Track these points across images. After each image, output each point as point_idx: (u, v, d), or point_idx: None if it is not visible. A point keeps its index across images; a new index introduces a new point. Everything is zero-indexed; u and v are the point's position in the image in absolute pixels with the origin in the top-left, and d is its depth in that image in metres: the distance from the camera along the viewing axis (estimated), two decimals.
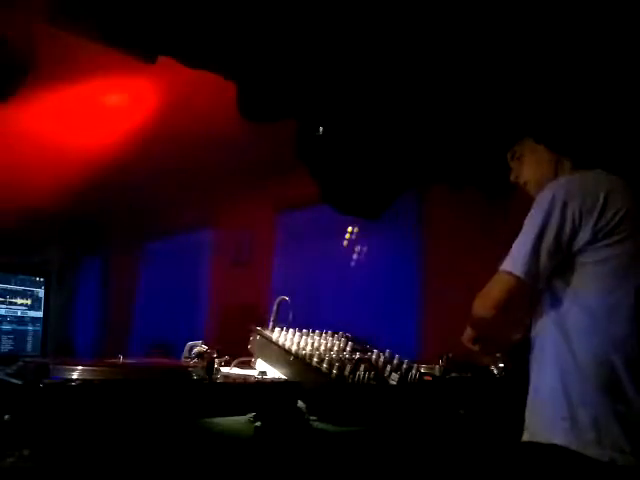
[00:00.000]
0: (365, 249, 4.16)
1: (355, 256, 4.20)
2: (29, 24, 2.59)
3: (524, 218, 1.65)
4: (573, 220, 1.56)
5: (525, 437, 1.61)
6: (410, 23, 2.31)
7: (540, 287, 1.62)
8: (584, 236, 1.56)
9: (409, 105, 2.70)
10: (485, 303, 1.64)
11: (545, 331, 1.62)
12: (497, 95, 2.53)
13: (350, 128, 2.78)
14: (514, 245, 1.64)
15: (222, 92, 2.47)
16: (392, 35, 2.41)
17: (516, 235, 1.65)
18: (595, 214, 1.56)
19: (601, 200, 1.57)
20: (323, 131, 2.56)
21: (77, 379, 1.30)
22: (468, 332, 1.85)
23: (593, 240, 1.55)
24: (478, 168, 2.51)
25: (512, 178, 1.92)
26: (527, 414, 1.63)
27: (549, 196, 1.60)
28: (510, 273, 1.59)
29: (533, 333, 1.69)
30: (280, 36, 2.20)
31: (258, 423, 1.55)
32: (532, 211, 1.64)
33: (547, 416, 1.55)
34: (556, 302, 1.60)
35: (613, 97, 2.49)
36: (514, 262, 1.60)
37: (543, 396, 1.59)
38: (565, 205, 1.57)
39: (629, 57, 2.41)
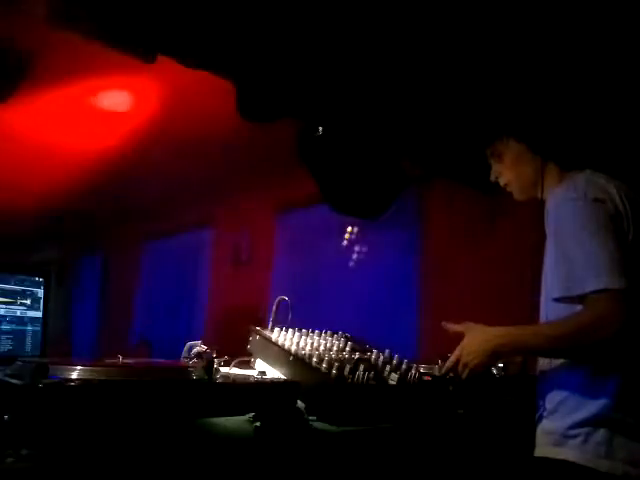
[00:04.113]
0: (364, 248, 4.15)
1: (354, 255, 4.20)
2: (28, 25, 2.59)
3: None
4: (620, 214, 1.50)
5: (537, 452, 1.58)
6: (409, 23, 2.31)
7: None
8: (628, 229, 1.49)
9: (409, 105, 2.70)
10: (607, 329, 1.41)
11: None
12: (494, 95, 2.53)
13: (350, 128, 2.78)
14: (575, 263, 1.46)
15: (222, 92, 2.46)
16: (391, 35, 2.41)
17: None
18: (622, 210, 1.51)
19: (619, 198, 1.52)
20: (323, 131, 2.55)
21: (76, 379, 1.30)
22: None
23: (633, 238, 1.49)
24: (477, 166, 2.50)
25: (492, 178, 1.83)
26: (537, 428, 1.60)
27: (582, 199, 1.50)
28: (603, 291, 1.40)
29: None
30: (279, 36, 2.20)
31: (257, 423, 1.54)
32: (562, 221, 1.52)
33: (558, 432, 1.52)
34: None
35: (598, 98, 2.49)
36: (601, 277, 1.41)
37: (554, 411, 1.55)
38: (597, 201, 1.49)
39: (614, 59, 2.41)
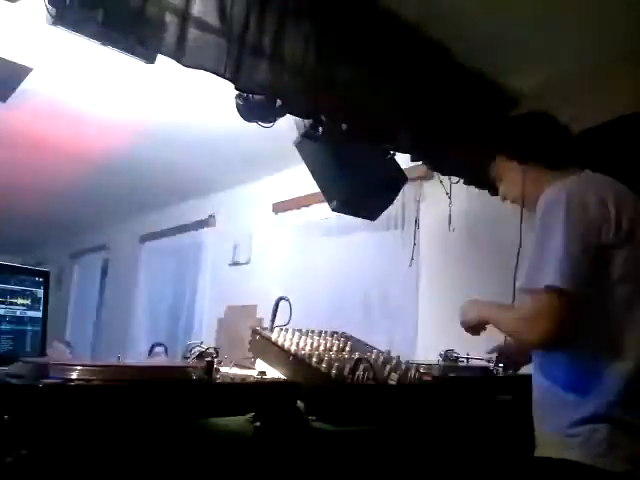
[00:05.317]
0: (364, 249, 4.15)
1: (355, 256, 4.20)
2: (29, 25, 2.59)
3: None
4: (595, 220, 1.50)
5: (538, 452, 1.58)
6: (409, 27, 2.31)
7: (584, 294, 1.46)
8: (608, 238, 1.49)
9: (408, 105, 2.70)
10: (538, 329, 1.48)
11: None
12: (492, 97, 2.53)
13: (349, 127, 2.77)
14: (537, 258, 1.51)
15: (222, 91, 2.46)
16: (391, 36, 2.41)
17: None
18: (612, 214, 1.51)
19: (613, 200, 1.53)
20: (322, 131, 2.55)
21: (76, 379, 1.30)
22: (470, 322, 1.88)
23: (615, 242, 1.49)
24: (476, 168, 2.51)
25: (501, 199, 1.89)
26: (536, 428, 1.60)
27: (562, 200, 1.52)
28: (552, 288, 1.44)
29: None
30: (279, 36, 2.20)
31: (257, 423, 1.55)
32: (546, 219, 1.55)
33: (558, 430, 1.52)
34: None
35: None
36: (551, 275, 1.45)
37: (553, 410, 1.55)
38: (582, 207, 1.51)
39: None
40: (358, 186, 2.72)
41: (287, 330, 2.09)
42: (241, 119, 2.50)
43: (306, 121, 2.55)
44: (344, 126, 2.36)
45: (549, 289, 1.45)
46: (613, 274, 1.50)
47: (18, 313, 2.12)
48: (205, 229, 5.73)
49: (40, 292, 2.20)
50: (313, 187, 2.87)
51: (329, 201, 2.78)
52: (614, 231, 1.51)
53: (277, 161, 4.50)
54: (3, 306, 2.07)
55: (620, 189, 1.61)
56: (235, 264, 5.30)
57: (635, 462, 1.43)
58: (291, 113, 2.40)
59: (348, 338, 2.20)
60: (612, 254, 1.50)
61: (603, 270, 1.50)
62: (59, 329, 7.09)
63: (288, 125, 2.64)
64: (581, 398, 1.49)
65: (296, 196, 4.56)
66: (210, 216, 5.68)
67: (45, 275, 2.25)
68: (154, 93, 3.58)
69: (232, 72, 1.97)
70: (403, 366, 2.00)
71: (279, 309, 2.18)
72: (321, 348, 1.99)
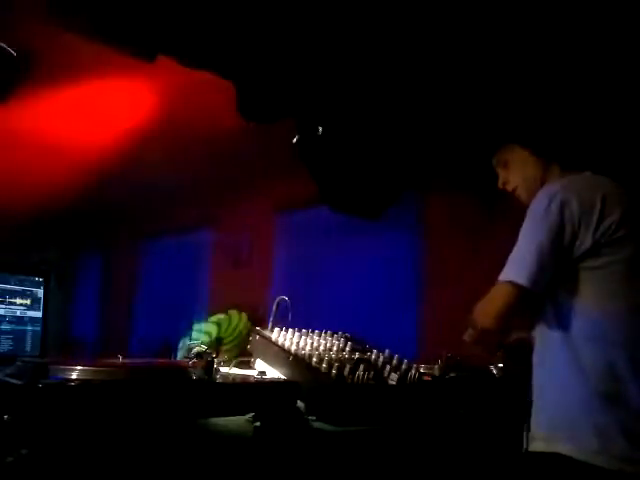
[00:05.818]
0: (365, 250, 4.15)
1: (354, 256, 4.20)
2: (28, 25, 2.59)
3: (522, 221, 1.63)
4: (572, 225, 1.53)
5: (531, 447, 1.59)
6: (409, 26, 2.31)
7: (543, 295, 1.56)
8: (585, 241, 1.52)
9: (408, 106, 2.70)
10: (488, 315, 1.59)
11: (547, 339, 1.59)
12: (493, 98, 2.54)
13: (349, 128, 2.78)
14: (513, 254, 1.59)
15: (222, 91, 2.46)
16: (391, 36, 2.41)
17: (514, 237, 1.63)
18: (594, 218, 1.53)
19: (599, 204, 1.54)
20: (322, 131, 2.55)
21: (76, 379, 1.30)
22: (470, 332, 1.83)
23: (594, 245, 1.52)
24: (477, 171, 2.51)
25: (500, 185, 1.89)
26: (532, 423, 1.61)
27: (545, 201, 1.56)
28: (512, 282, 1.53)
29: (535, 341, 1.65)
30: (279, 36, 2.20)
31: (257, 423, 1.55)
32: (529, 218, 1.60)
33: (552, 426, 1.53)
34: (558, 309, 1.57)
35: (598, 99, 2.50)
36: (516, 271, 1.54)
37: (547, 405, 1.57)
38: (563, 210, 1.53)
39: (613, 61, 2.42)
40: (359, 186, 2.72)
41: (287, 330, 2.09)
42: (242, 119, 2.50)
43: (307, 121, 2.56)
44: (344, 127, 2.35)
45: (511, 283, 1.53)
46: (598, 274, 1.53)
47: (18, 313, 2.12)
48: (206, 229, 5.73)
49: (40, 292, 2.20)
50: (314, 187, 2.88)
51: (330, 200, 2.78)
52: (592, 236, 1.52)
53: (278, 161, 4.49)
54: (3, 306, 2.07)
55: (614, 192, 1.61)
56: (235, 264, 5.30)
57: (630, 461, 1.43)
58: (293, 114, 2.40)
59: (348, 338, 2.20)
60: (592, 259, 1.53)
61: (586, 271, 1.54)
62: (61, 329, 7.09)
63: (289, 125, 2.64)
64: (576, 395, 1.50)
65: (297, 196, 4.55)
66: (211, 216, 5.68)
67: (45, 275, 2.25)
68: (154, 94, 3.58)
69: None
70: (403, 366, 2.00)
71: (279, 309, 2.18)
72: (321, 348, 1.99)
